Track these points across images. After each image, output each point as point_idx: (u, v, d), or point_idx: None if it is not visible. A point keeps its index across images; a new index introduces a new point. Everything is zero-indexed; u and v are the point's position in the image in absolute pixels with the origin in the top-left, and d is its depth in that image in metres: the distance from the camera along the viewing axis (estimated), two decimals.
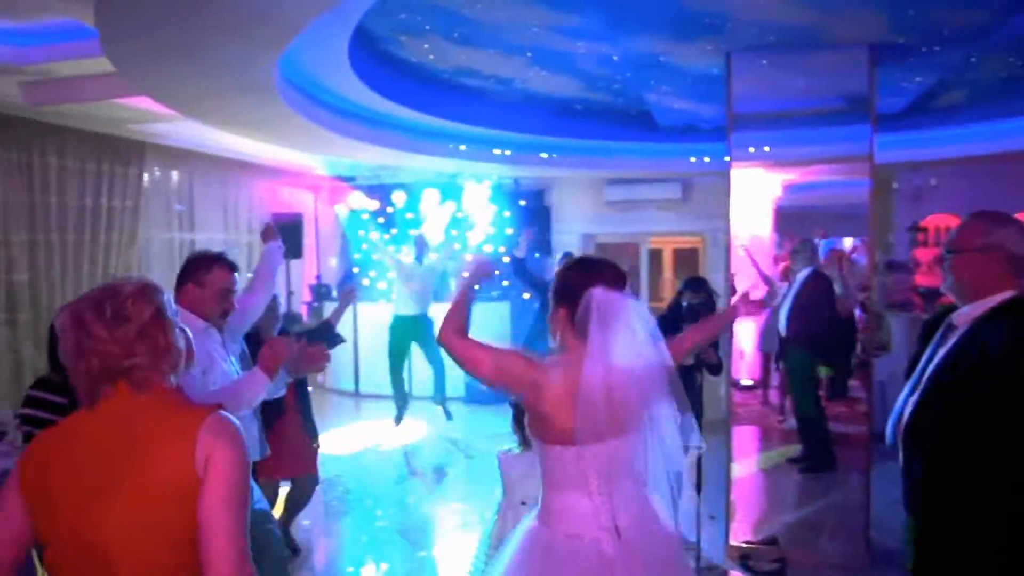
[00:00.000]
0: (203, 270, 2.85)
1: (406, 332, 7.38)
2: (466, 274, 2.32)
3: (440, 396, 7.37)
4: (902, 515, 2.38)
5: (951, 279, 2.27)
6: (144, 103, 5.16)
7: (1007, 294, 2.16)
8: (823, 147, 4.90)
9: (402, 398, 7.41)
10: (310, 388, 4.75)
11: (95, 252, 6.43)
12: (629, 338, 2.02)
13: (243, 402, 2.53)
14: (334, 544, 5.04)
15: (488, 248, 9.00)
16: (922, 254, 8.22)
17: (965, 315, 2.21)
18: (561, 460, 2.06)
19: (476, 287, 2.31)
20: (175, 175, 7.49)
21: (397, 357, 7.45)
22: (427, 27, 4.39)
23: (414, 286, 7.50)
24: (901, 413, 2.33)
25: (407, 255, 7.73)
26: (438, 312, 8.55)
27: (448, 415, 7.42)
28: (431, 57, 5.02)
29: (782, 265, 6.70)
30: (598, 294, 2.04)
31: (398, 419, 7.35)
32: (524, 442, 3.46)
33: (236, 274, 2.94)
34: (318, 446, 4.60)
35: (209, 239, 7.77)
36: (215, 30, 3.27)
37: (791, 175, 5.63)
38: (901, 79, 5.27)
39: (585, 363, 2.00)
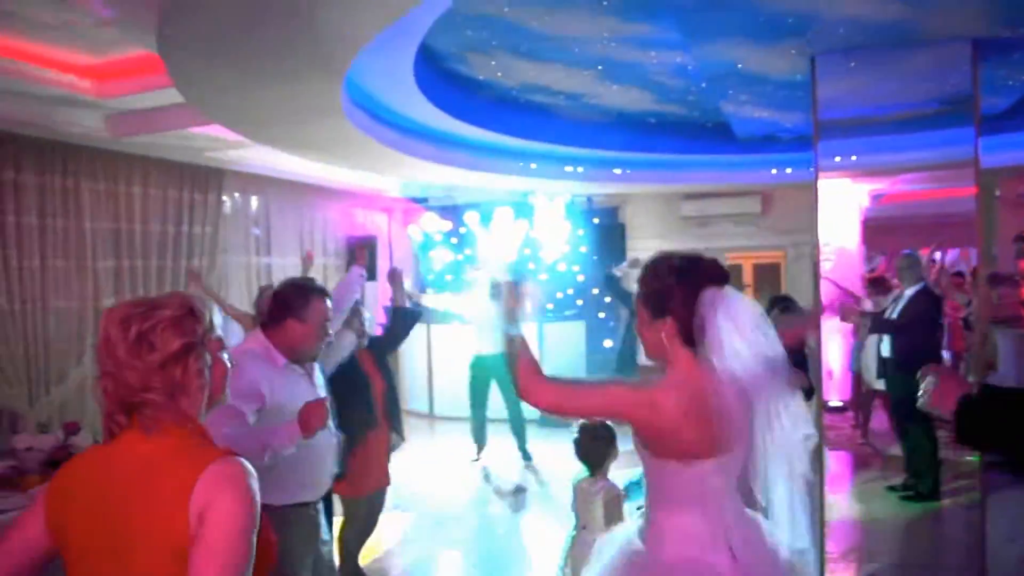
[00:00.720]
0: (301, 304, 2.69)
1: (486, 372, 7.22)
2: (508, 305, 2.11)
3: (520, 443, 7.20)
4: (1019, 551, 2.09)
5: None
6: (218, 131, 5.25)
7: None
8: (919, 153, 4.59)
9: (482, 436, 7.28)
10: None
11: (177, 277, 6.57)
12: (756, 338, 1.89)
13: (267, 452, 2.36)
14: (408, 571, 4.92)
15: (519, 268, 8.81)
16: None
17: None
18: (680, 477, 1.92)
19: (518, 314, 2.10)
20: (252, 200, 7.64)
21: (478, 396, 7.31)
22: (493, 43, 4.30)
23: (492, 324, 7.35)
24: None
25: (481, 290, 7.45)
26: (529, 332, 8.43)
27: (527, 457, 7.23)
28: (498, 74, 4.93)
29: (872, 276, 6.32)
30: (716, 296, 1.89)
31: (477, 451, 7.26)
32: (593, 469, 3.33)
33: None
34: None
35: (284, 263, 7.88)
36: (276, 50, 3.24)
37: (881, 184, 5.31)
38: (1006, 77, 4.87)
39: (712, 373, 1.88)
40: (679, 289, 1.92)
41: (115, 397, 1.38)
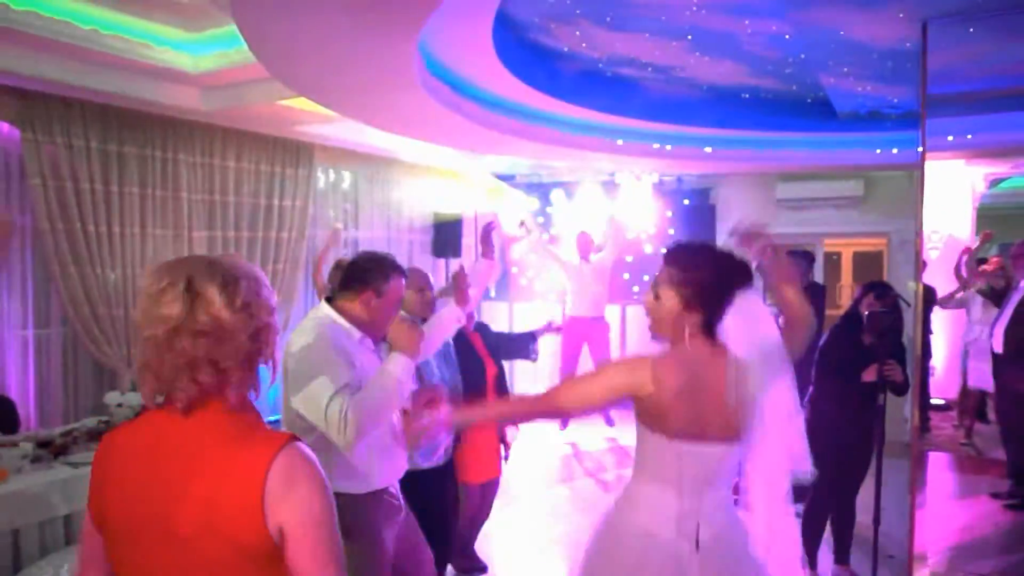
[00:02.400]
0: (382, 279, 2.67)
1: (579, 335, 7.31)
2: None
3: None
4: None
5: None
6: (304, 104, 5.34)
7: None
8: None
9: None
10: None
11: (267, 248, 6.78)
12: (756, 336, 1.97)
13: (395, 401, 2.47)
14: (508, 555, 4.83)
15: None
16: None
17: None
18: (664, 452, 1.98)
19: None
20: (341, 175, 7.78)
21: (569, 360, 7.35)
22: (577, 11, 4.16)
23: (586, 286, 7.41)
24: None
25: (572, 255, 7.72)
26: (612, 315, 8.42)
27: (610, 421, 7.30)
28: (583, 45, 4.79)
29: (984, 268, 5.85)
30: (740, 299, 2.00)
31: (563, 424, 7.28)
32: None
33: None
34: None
35: (371, 237, 8.00)
36: (346, 15, 3.22)
37: (999, 167, 4.90)
38: None
39: (722, 362, 1.97)
40: (717, 288, 1.98)
41: (187, 361, 1.25)
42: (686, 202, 9.11)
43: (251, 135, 6.53)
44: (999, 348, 5.20)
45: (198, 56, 4.93)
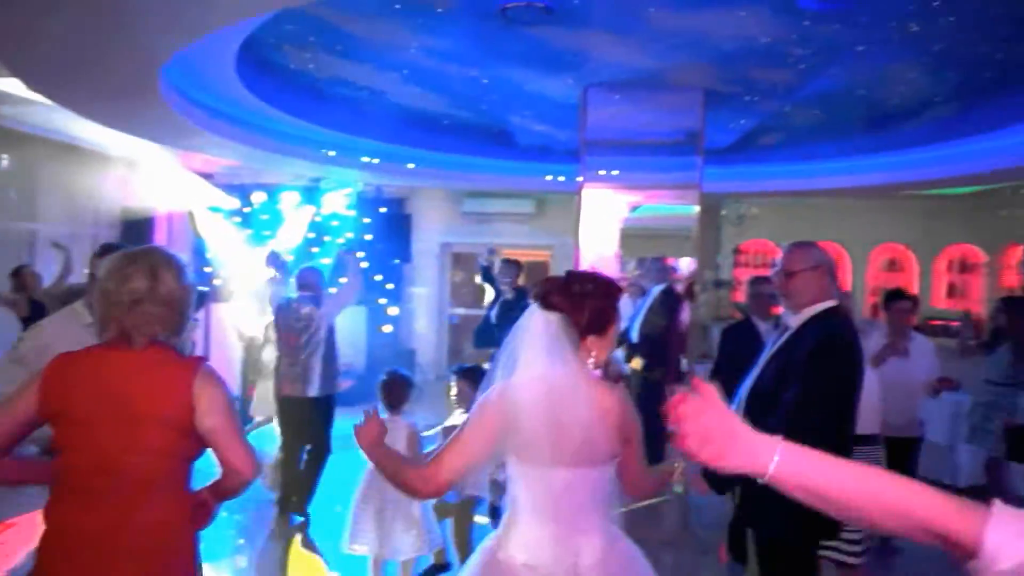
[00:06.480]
0: None
1: None
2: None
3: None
4: None
5: (788, 293, 2.79)
6: None
7: (826, 304, 2.74)
8: (662, 175, 5.59)
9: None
10: None
11: None
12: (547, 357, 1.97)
13: None
14: None
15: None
16: (741, 273, 9.27)
17: (797, 318, 2.76)
18: (536, 485, 1.96)
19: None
20: (14, 160, 7.09)
21: None
22: (311, 39, 4.61)
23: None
24: (739, 401, 2.84)
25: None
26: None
27: None
28: (310, 66, 5.22)
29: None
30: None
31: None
32: (391, 409, 3.74)
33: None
34: None
35: (52, 231, 7.40)
36: (95, 42, 3.33)
37: (635, 198, 6.25)
38: (729, 120, 6.08)
39: (583, 382, 1.96)
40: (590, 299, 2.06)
41: (147, 318, 1.87)
42: (383, 210, 9.79)
43: None
44: (635, 339, 6.66)
45: None
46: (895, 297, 4.68)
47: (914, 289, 8.86)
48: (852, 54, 4.50)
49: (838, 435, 2.56)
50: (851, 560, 3.48)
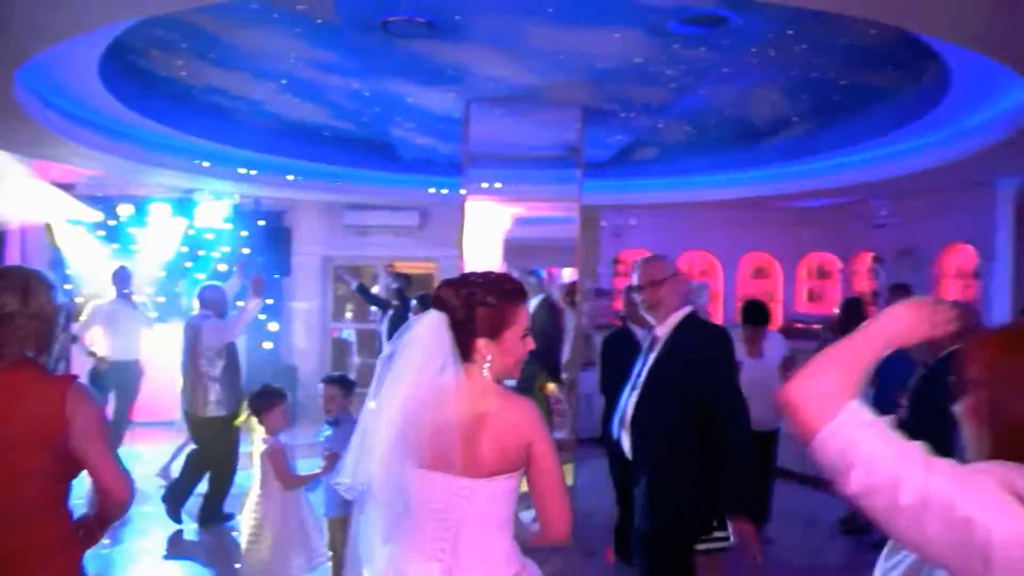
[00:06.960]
0: None
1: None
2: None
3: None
4: None
5: (650, 304, 2.93)
6: None
7: (687, 309, 2.91)
8: (543, 188, 5.72)
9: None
10: None
11: None
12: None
13: None
14: None
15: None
16: (620, 283, 9.59)
17: (663, 328, 2.90)
18: (417, 486, 1.86)
19: None
20: None
21: None
22: (183, 45, 4.43)
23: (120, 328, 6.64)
24: (624, 410, 2.94)
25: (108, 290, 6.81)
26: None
27: None
28: (183, 73, 5.01)
29: None
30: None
31: None
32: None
33: None
34: None
35: None
36: None
37: (518, 210, 6.36)
38: (607, 135, 6.29)
39: (473, 390, 1.89)
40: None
41: (13, 336, 1.86)
42: (262, 223, 9.48)
43: None
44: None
45: None
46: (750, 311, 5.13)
47: (778, 294, 9.48)
48: (718, 75, 4.78)
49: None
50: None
